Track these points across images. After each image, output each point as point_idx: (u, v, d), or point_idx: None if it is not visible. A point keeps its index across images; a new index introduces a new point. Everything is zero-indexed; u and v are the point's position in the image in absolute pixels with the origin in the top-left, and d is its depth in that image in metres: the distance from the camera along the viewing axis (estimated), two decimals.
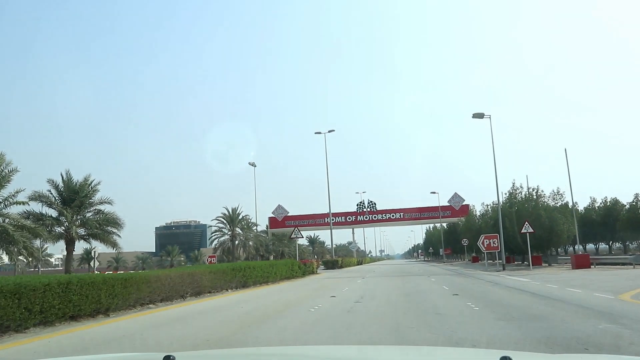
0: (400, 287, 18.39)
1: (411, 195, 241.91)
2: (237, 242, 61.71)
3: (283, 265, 25.47)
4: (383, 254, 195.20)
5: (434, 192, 71.16)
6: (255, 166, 68.25)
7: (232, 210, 62.40)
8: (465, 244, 58.10)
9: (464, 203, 72.41)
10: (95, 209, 33.59)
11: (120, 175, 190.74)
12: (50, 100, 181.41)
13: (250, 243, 68.40)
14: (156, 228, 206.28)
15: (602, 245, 64.83)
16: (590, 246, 62.62)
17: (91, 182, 33.47)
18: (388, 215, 74.64)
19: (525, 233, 31.04)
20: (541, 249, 36.31)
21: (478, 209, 57.65)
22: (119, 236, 33.62)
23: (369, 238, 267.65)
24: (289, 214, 76.16)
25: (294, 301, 14.04)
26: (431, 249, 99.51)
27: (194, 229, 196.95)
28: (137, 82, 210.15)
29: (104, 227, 33.19)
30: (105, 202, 33.24)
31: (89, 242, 35.49)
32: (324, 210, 72.15)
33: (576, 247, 36.77)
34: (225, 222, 62.45)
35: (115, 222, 33.44)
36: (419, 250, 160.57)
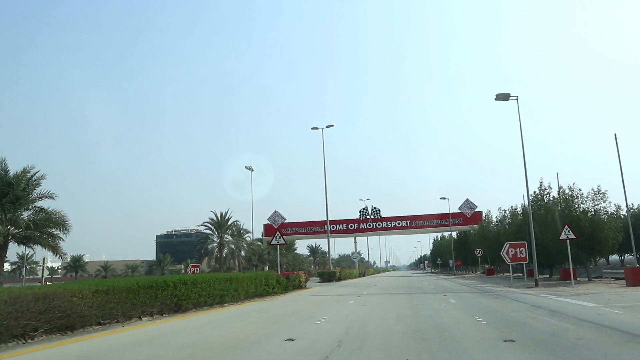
0: (408, 318, 11.70)
1: (421, 202, 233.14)
2: (225, 250, 55.19)
3: (250, 280, 18.84)
4: (388, 265, 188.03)
5: (444, 198, 64.33)
6: (252, 170, 62.21)
7: (221, 214, 56.02)
8: (479, 255, 51.22)
9: (476, 210, 65.58)
10: (36, 207, 27.29)
11: (124, 182, 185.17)
12: (76, 111, 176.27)
13: (242, 252, 61.91)
14: (157, 236, 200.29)
15: (628, 257, 58.08)
16: (614, 257, 55.94)
17: (33, 175, 27.19)
18: (393, 223, 67.81)
19: (565, 240, 24.29)
20: (579, 260, 29.50)
21: (495, 215, 50.83)
22: (63, 239, 27.17)
23: (374, 249, 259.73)
24: (286, 221, 69.50)
25: (210, 353, 7.42)
26: (439, 260, 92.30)
27: (195, 238, 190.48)
28: (155, 93, 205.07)
29: (44, 228, 26.80)
30: (46, 197, 26.85)
31: (30, 247, 29.17)
32: (323, 217, 65.61)
33: (626, 257, 29.83)
34: (212, 228, 56.07)
35: (58, 223, 27.00)
36: (426, 262, 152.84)
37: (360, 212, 68.10)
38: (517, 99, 27.96)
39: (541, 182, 33.71)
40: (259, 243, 68.40)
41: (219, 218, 55.31)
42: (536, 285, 25.47)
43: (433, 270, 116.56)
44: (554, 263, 35.32)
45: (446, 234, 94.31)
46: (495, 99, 28.06)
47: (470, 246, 63.59)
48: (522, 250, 28.76)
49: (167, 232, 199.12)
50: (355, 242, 72.06)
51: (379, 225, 67.73)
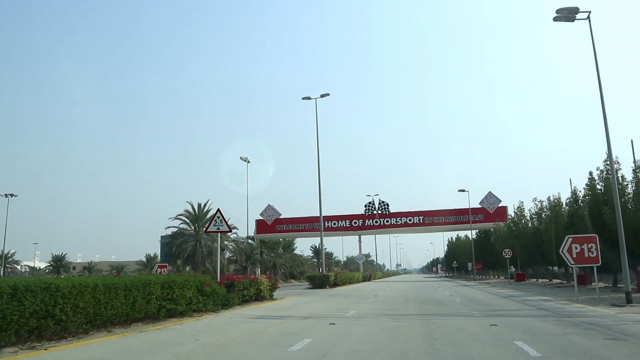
0: None
1: (435, 197, 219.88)
2: (202, 247, 45.81)
3: (109, 291, 9.35)
4: (399, 268, 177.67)
5: (463, 190, 54.29)
6: (248, 162, 53.38)
7: (198, 206, 46.69)
8: (507, 256, 41.15)
9: (500, 205, 55.59)
10: None
11: (128, 182, 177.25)
12: (63, 108, 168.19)
13: (227, 252, 52.45)
14: (162, 237, 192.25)
15: None
16: None
17: None
18: (404, 220, 57.95)
19: None
20: None
21: (528, 207, 40.75)
22: None
23: (384, 251, 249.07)
24: (281, 216, 60.20)
25: None
26: (455, 262, 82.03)
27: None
28: (148, 91, 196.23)
29: None
30: None
31: None
32: (325, 212, 56.13)
33: None
34: (188, 221, 46.79)
35: None
36: (439, 265, 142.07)
37: (365, 206, 58.44)
38: (588, 18, 18.21)
39: (609, 155, 23.71)
40: (250, 241, 59.03)
41: (196, 210, 46.02)
42: (629, 301, 15.58)
43: (447, 274, 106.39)
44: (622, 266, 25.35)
45: (463, 233, 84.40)
46: (555, 20, 18.29)
47: (493, 246, 53.58)
48: (591, 246, 19.09)
49: (172, 232, 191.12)
50: (359, 240, 62.27)
51: (388, 221, 57.96)
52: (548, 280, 38.38)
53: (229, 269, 61.69)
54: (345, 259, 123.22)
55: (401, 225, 58.13)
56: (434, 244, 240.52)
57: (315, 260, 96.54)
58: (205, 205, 46.42)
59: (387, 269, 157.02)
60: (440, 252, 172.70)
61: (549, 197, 35.95)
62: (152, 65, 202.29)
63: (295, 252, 74.09)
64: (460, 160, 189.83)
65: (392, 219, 57.84)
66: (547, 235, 31.04)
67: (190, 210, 46.10)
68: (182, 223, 46.48)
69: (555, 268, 40.34)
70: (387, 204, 58.01)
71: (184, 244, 45.11)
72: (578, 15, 18.10)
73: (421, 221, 57.57)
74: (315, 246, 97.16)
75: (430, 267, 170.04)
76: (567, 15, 18.12)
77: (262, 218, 59.54)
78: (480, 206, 55.79)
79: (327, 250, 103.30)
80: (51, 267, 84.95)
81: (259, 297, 18.58)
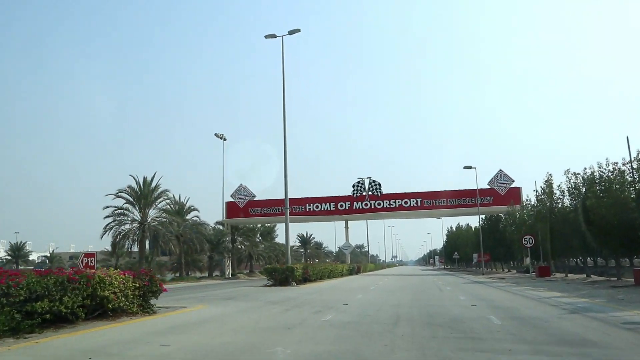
0: None
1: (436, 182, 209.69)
2: (146, 231, 36.38)
3: None
4: (395, 260, 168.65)
5: (469, 167, 45.03)
6: (225, 139, 44.46)
7: (144, 180, 37.22)
8: (529, 245, 31.98)
9: (512, 185, 46.34)
10: None
11: (121, 172, 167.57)
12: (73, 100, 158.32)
13: (196, 240, 42.92)
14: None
15: None
16: None
17: None
18: (399, 202, 48.63)
19: None
20: None
21: (559, 181, 31.42)
22: None
23: (380, 242, 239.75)
24: (255, 198, 50.83)
25: None
26: (456, 254, 72.92)
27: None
28: (142, 80, 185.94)
29: None
30: None
31: None
32: (310, 193, 46.78)
33: None
34: (131, 200, 37.31)
35: None
36: (436, 257, 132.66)
37: (353, 187, 49.10)
38: None
39: None
40: (219, 227, 49.79)
41: (141, 186, 36.56)
42: None
43: (446, 267, 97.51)
44: None
45: (464, 221, 75.38)
46: None
47: (503, 234, 44.57)
48: None
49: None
50: (346, 226, 52.86)
51: (379, 204, 48.64)
52: (585, 275, 29.18)
53: (202, 260, 52.63)
54: (337, 249, 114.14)
55: (396, 209, 48.79)
56: (432, 234, 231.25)
57: (302, 250, 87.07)
58: (152, 179, 36.97)
59: (382, 261, 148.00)
60: (438, 243, 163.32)
61: (586, 167, 26.66)
62: (133, 50, 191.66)
63: (276, 240, 64.65)
64: (459, 156, 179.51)
65: (384, 201, 48.55)
66: (598, 214, 21.74)
67: (134, 185, 36.62)
68: (125, 202, 36.97)
69: (589, 259, 31.27)
70: (379, 184, 48.71)
71: (122, 225, 35.69)
72: None
73: (419, 204, 48.25)
74: (303, 235, 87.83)
75: (428, 259, 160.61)
76: None
77: (233, 200, 50.22)
78: (488, 187, 46.61)
79: (315, 239, 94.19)
80: (9, 257, 75.62)
81: (106, 313, 9.29)
